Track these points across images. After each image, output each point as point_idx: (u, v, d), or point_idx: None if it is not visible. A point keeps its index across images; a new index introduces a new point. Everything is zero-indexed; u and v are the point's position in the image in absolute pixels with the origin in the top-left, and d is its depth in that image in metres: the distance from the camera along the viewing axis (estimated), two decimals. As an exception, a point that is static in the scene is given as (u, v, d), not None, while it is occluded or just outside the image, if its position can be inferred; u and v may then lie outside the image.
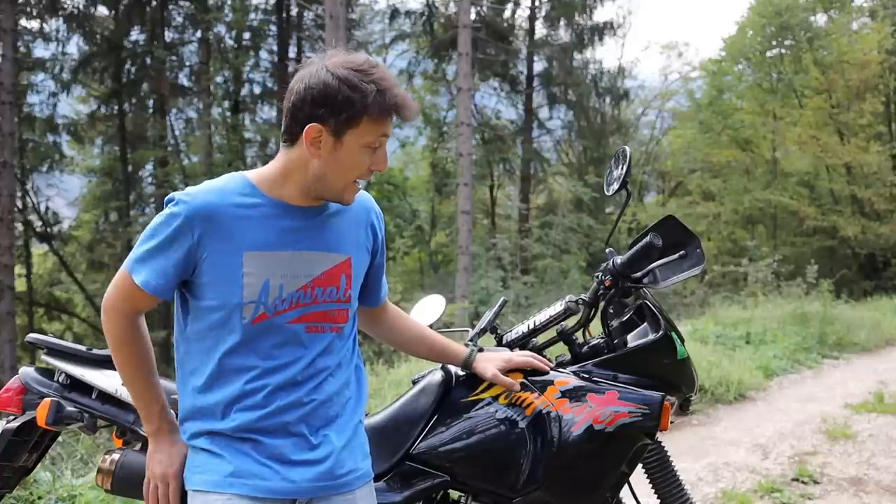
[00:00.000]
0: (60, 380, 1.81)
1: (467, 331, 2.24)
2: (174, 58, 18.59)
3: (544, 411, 1.81)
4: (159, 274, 1.50)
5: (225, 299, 1.50)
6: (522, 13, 20.91)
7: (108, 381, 1.80)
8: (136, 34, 18.75)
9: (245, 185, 1.54)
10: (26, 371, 1.85)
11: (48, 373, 1.84)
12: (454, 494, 1.96)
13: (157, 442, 1.59)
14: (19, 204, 16.78)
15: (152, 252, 1.50)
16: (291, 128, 1.48)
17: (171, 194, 1.52)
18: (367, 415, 1.85)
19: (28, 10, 17.17)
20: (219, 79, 18.68)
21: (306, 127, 1.45)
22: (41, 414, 1.70)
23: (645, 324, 1.99)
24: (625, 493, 2.03)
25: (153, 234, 1.50)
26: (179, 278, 1.52)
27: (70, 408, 1.74)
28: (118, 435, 1.84)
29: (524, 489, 1.80)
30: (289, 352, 1.54)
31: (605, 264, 2.02)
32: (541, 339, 2.09)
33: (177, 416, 1.62)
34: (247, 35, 18.87)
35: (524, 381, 1.85)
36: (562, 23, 20.32)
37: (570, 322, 2.04)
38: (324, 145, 1.47)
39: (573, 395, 1.83)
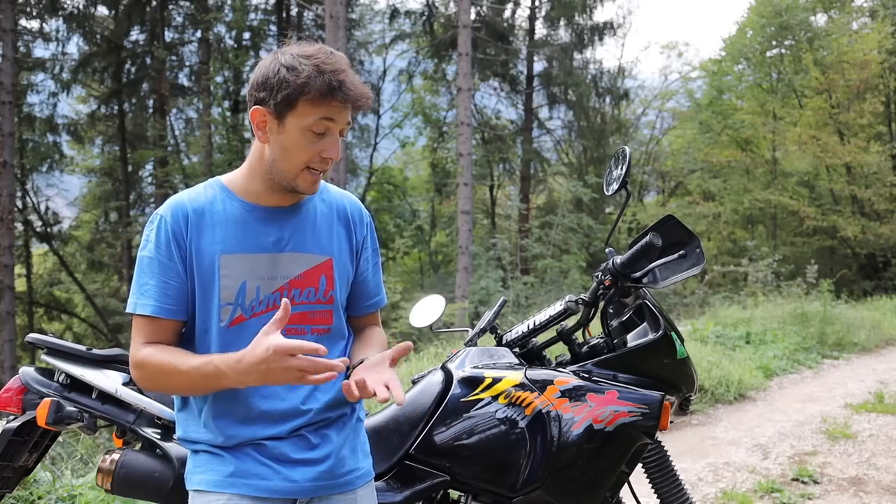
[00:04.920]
0: (60, 380, 1.81)
1: (467, 331, 2.24)
2: (174, 58, 18.61)
3: (544, 411, 1.81)
4: (163, 296, 1.48)
5: (204, 303, 1.50)
6: (522, 13, 20.95)
7: (108, 381, 1.80)
8: (136, 34, 18.78)
9: (219, 189, 1.55)
10: (26, 371, 1.85)
11: (48, 373, 1.84)
12: (454, 494, 1.96)
13: (241, 365, 1.36)
14: (19, 204, 16.78)
15: (154, 276, 1.48)
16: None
17: (154, 213, 1.52)
18: (367, 415, 1.85)
19: (28, 10, 17.18)
20: (219, 79, 18.69)
21: (250, 111, 1.47)
22: (41, 414, 1.71)
23: (644, 323, 1.99)
24: (625, 492, 2.03)
25: (149, 260, 1.49)
26: (186, 294, 1.49)
27: (70, 408, 1.74)
28: (118, 435, 1.84)
29: (524, 489, 1.80)
30: None
31: (604, 264, 2.02)
32: (541, 338, 2.09)
33: (172, 425, 1.61)
34: (247, 35, 18.88)
35: (524, 380, 1.85)
36: (562, 23, 20.30)
37: (570, 322, 2.04)
38: (269, 130, 1.47)
39: (573, 394, 1.83)
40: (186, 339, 1.55)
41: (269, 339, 1.32)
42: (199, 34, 18.13)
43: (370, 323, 1.74)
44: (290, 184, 1.50)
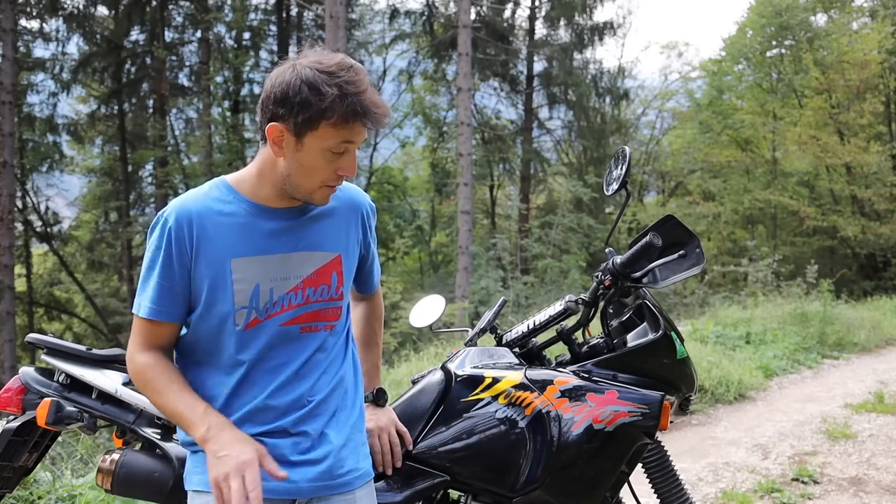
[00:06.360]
0: (60, 380, 1.81)
1: (467, 331, 2.24)
2: (174, 58, 18.60)
3: (544, 411, 1.81)
4: (160, 299, 1.50)
5: (217, 307, 1.50)
6: (522, 13, 20.95)
7: (108, 381, 1.80)
8: (136, 34, 18.79)
9: (225, 190, 1.54)
10: (26, 371, 1.85)
11: (48, 373, 1.84)
12: (454, 494, 1.96)
13: (217, 438, 1.44)
14: (19, 204, 16.79)
15: (154, 279, 1.50)
16: (262, 125, 1.48)
17: (158, 214, 1.53)
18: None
19: (28, 10, 17.18)
20: (219, 79, 18.68)
21: (267, 126, 1.45)
22: (41, 414, 1.70)
23: (644, 323, 1.99)
24: (625, 493, 2.03)
25: (151, 262, 1.50)
26: (186, 298, 1.51)
27: (70, 408, 1.74)
28: (118, 435, 1.84)
29: (524, 489, 1.80)
30: (284, 353, 1.54)
31: (604, 264, 2.02)
32: (541, 338, 2.09)
33: (172, 425, 1.61)
34: (247, 35, 18.87)
35: (524, 380, 1.85)
36: (562, 23, 20.30)
37: (570, 322, 2.04)
38: (286, 145, 1.45)
39: (573, 394, 1.83)
40: (201, 341, 1.55)
41: (258, 453, 1.44)
42: (199, 34, 18.13)
43: (376, 294, 1.90)
44: (306, 198, 1.52)
